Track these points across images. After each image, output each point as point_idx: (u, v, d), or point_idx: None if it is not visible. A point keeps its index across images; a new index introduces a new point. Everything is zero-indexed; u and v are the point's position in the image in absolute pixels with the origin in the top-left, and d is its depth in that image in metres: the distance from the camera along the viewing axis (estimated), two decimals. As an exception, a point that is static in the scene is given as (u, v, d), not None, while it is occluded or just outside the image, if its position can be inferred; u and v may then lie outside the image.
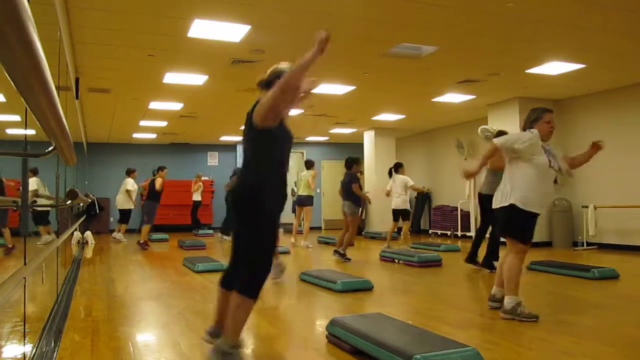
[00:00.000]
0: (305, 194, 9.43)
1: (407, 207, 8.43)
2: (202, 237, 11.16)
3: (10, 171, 1.93)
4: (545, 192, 3.71)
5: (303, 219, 9.63)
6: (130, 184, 10.67)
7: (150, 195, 9.49)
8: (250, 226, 2.56)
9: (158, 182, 9.40)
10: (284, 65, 2.75)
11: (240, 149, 14.90)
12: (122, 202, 10.69)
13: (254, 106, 2.61)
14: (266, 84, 2.68)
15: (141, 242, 9.33)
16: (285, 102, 2.57)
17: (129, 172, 10.80)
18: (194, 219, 13.09)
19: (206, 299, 4.55)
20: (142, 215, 10.31)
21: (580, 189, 9.02)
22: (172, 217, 13.63)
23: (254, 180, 2.58)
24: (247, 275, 2.53)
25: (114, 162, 13.97)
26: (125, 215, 10.76)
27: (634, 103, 8.17)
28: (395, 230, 8.75)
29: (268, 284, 5.15)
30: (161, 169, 9.65)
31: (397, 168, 8.60)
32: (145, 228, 9.44)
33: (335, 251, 7.36)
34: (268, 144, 2.59)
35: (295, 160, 15.92)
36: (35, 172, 1.86)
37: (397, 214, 8.43)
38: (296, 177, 14.30)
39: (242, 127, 2.74)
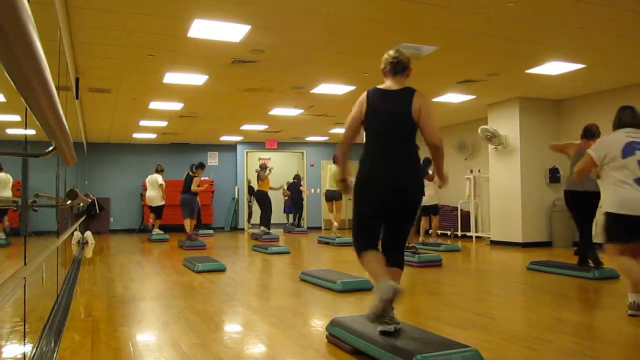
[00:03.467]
0: (335, 188, 9.87)
1: (436, 201, 8.47)
2: (202, 237, 11.16)
3: (11, 171, 1.92)
4: None
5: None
6: (161, 179, 11.18)
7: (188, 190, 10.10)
8: (412, 217, 2.98)
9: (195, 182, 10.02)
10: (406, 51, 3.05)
11: (240, 149, 14.88)
12: (157, 198, 11.17)
13: (410, 94, 2.88)
14: (404, 69, 2.96)
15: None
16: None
17: (160, 170, 11.28)
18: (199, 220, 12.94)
19: (206, 299, 4.55)
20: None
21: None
22: (172, 217, 13.62)
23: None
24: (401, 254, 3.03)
25: (114, 162, 13.98)
26: (160, 210, 11.26)
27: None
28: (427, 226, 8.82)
29: (272, 283, 5.12)
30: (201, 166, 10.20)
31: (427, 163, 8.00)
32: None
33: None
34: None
35: (295, 161, 15.94)
36: None
37: (427, 209, 8.25)
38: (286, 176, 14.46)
39: (388, 115, 2.91)
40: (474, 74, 7.30)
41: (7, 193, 1.88)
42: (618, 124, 3.88)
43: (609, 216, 3.69)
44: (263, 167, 11.72)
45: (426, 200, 7.99)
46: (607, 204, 3.73)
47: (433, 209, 8.43)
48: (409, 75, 2.99)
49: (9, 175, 1.86)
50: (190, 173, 10.18)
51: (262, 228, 11.36)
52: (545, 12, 4.87)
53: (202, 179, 13.42)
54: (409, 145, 2.88)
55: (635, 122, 3.83)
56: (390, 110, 2.89)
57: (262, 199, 11.58)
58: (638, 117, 3.87)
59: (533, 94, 8.83)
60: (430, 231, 8.95)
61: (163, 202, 11.28)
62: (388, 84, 2.98)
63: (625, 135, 3.77)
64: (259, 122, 11.34)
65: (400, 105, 2.86)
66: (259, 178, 11.63)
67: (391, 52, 3.01)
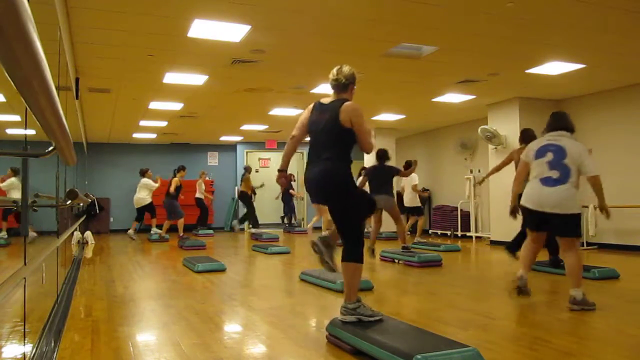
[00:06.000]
0: None
1: (417, 204, 8.99)
2: (202, 237, 11.16)
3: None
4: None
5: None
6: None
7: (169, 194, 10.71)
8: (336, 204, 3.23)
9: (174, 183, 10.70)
10: (347, 68, 3.21)
11: (240, 149, 14.90)
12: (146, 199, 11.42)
13: (339, 104, 3.10)
14: (343, 87, 3.18)
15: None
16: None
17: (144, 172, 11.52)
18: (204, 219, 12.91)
19: (206, 299, 4.55)
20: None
21: (580, 189, 9.00)
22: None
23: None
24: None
25: (114, 162, 13.98)
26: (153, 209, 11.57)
27: (634, 103, 8.16)
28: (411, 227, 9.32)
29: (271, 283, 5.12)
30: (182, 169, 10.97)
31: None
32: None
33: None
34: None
35: (294, 161, 15.93)
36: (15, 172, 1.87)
37: (411, 210, 9.05)
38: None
39: (316, 118, 3.21)
40: (474, 74, 7.30)
41: (18, 196, 1.90)
42: (545, 130, 4.26)
43: (521, 208, 4.27)
44: (248, 169, 12.17)
45: (407, 202, 8.90)
46: (522, 198, 4.25)
47: (415, 210, 9.00)
48: (353, 90, 3.24)
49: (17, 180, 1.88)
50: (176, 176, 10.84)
51: (237, 227, 12.52)
52: (545, 12, 4.87)
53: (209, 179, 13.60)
54: (331, 150, 3.10)
55: (557, 126, 4.17)
56: (319, 119, 3.18)
57: (243, 199, 11.99)
58: (560, 121, 4.18)
59: (533, 94, 8.83)
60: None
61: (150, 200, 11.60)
62: (329, 97, 3.26)
63: (546, 140, 4.17)
64: (259, 122, 11.34)
65: (327, 115, 3.13)
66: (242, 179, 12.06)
67: (333, 72, 3.21)
